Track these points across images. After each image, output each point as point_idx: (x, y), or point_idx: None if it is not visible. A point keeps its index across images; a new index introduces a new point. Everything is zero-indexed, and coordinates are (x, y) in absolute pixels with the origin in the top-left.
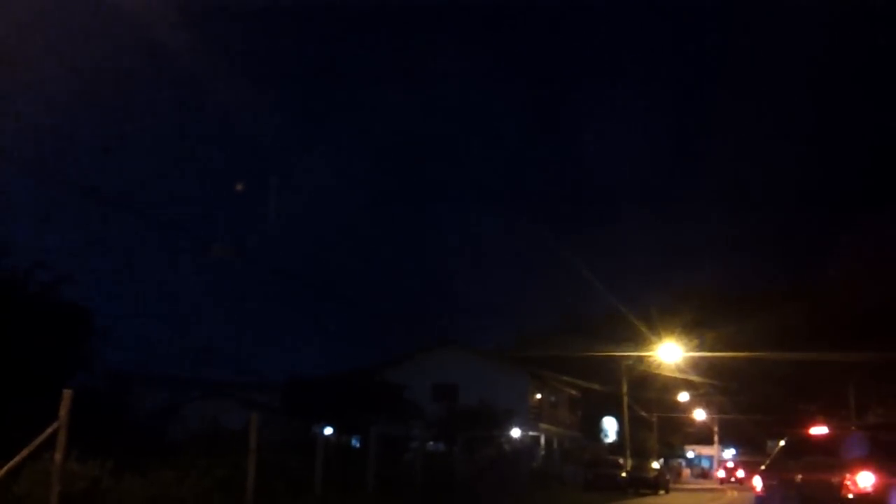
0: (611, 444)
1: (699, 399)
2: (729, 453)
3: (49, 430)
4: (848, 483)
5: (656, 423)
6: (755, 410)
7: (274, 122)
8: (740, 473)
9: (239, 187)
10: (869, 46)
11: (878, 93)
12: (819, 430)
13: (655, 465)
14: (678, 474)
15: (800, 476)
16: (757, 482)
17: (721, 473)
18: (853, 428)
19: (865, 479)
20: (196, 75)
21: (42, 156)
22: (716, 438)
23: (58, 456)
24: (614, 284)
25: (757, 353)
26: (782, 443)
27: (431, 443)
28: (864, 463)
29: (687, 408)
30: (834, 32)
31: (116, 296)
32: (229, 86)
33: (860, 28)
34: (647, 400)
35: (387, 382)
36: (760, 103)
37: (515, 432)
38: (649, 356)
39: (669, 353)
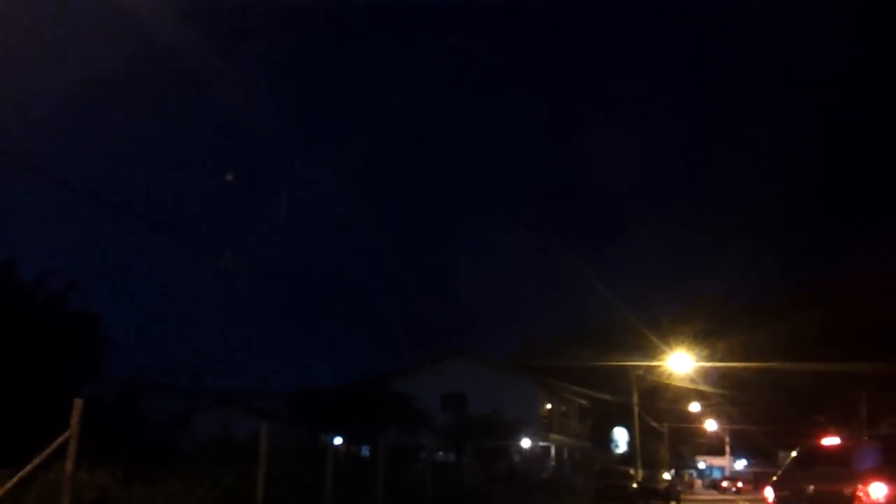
0: (621, 455)
1: (710, 409)
2: (740, 464)
3: (60, 440)
4: (860, 494)
5: (667, 434)
6: (767, 421)
7: (283, 131)
8: (740, 484)
9: (244, 193)
10: (882, 51)
11: (891, 101)
12: (831, 441)
13: (666, 475)
14: (690, 485)
15: (812, 487)
16: (769, 493)
17: (725, 483)
18: (865, 439)
19: (878, 490)
20: (196, 77)
21: (53, 162)
22: (727, 449)
23: (68, 465)
24: (624, 294)
25: (768, 364)
26: (794, 453)
27: (441, 453)
28: (877, 474)
29: (698, 418)
30: (843, 38)
31: (126, 305)
32: (234, 89)
33: (870, 33)
34: (658, 410)
35: (396, 392)
36: (772, 112)
37: (525, 442)
38: (660, 366)
39: (680, 362)
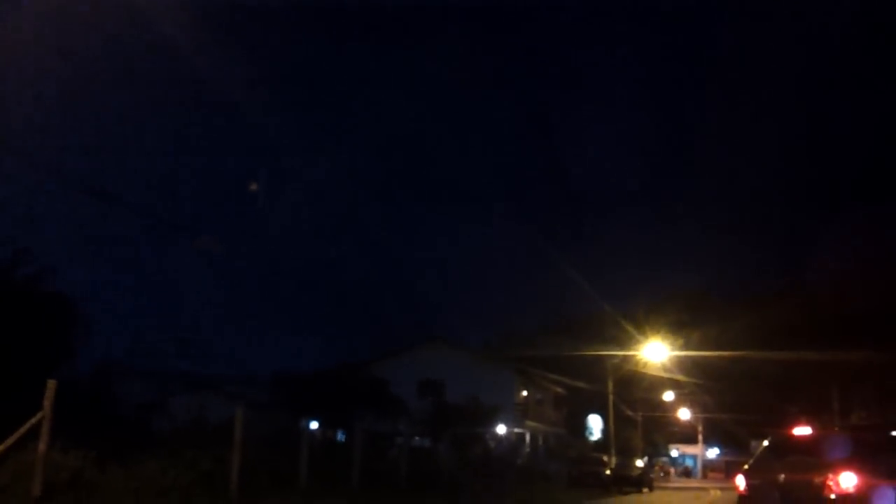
0: (596, 442)
1: (684, 398)
2: (713, 452)
3: (33, 421)
4: (830, 483)
5: (641, 422)
6: (739, 410)
7: (266, 120)
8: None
9: (229, 180)
10: (862, 46)
11: (868, 93)
12: (802, 431)
13: (640, 463)
14: (666, 473)
15: (783, 476)
16: (740, 481)
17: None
18: (836, 429)
19: (848, 480)
20: (196, 75)
21: (31, 145)
22: (700, 438)
23: (41, 446)
24: (601, 283)
25: (741, 353)
26: (766, 443)
27: (417, 439)
28: (847, 464)
29: (672, 407)
30: (815, 29)
31: (102, 287)
32: (228, 85)
33: (853, 28)
34: (633, 399)
35: (373, 378)
36: (749, 103)
37: (501, 429)
38: (635, 355)
39: (655, 352)
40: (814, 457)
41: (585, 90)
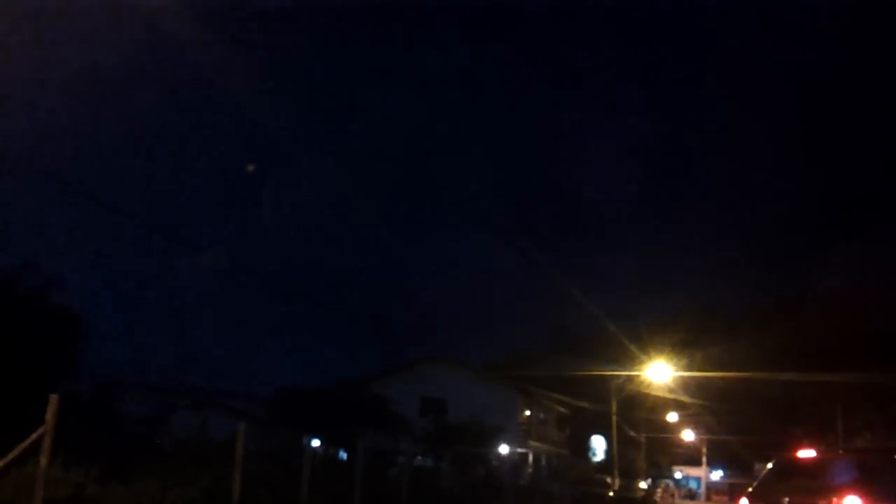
0: (599, 463)
1: (688, 419)
2: (716, 475)
3: (34, 436)
4: None
5: (644, 443)
6: (744, 432)
7: (266, 130)
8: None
9: (232, 192)
10: (860, 68)
11: (874, 109)
12: (807, 454)
13: (643, 484)
14: (672, 495)
15: (787, 499)
16: None
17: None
18: (841, 452)
19: None
20: (191, 75)
21: (32, 154)
22: (704, 459)
23: (43, 461)
24: (605, 303)
25: (746, 374)
26: (770, 465)
27: (419, 457)
28: (851, 487)
29: (675, 428)
30: (819, 44)
31: (106, 302)
32: (224, 88)
33: (846, 50)
34: (636, 419)
35: (375, 395)
36: (750, 125)
37: (504, 449)
38: (639, 375)
39: (659, 372)
40: (818, 480)
41: (590, 110)
